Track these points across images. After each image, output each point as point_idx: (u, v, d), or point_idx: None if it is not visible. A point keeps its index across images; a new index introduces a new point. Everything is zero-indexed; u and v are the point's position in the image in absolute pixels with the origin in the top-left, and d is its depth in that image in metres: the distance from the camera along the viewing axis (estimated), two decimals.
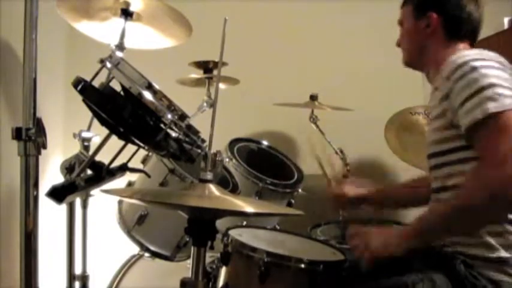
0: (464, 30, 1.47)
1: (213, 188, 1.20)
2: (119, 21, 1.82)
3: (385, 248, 1.29)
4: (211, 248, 1.20)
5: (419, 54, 1.52)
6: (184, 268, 1.92)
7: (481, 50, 1.34)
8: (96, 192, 1.92)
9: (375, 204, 1.80)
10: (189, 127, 1.32)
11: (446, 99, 1.30)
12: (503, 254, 1.26)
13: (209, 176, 1.20)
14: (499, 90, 1.20)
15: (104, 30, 1.90)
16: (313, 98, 2.41)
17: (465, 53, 1.32)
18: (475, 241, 1.28)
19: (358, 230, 1.40)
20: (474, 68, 1.25)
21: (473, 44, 1.49)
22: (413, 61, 1.57)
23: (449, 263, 1.30)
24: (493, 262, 1.26)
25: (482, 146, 1.22)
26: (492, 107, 1.19)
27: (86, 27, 1.91)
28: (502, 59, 1.30)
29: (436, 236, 1.32)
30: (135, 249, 2.01)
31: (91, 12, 1.85)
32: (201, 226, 1.18)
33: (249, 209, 1.17)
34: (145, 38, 1.96)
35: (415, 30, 1.52)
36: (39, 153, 1.24)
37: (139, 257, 2.18)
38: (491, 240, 1.26)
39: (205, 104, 2.13)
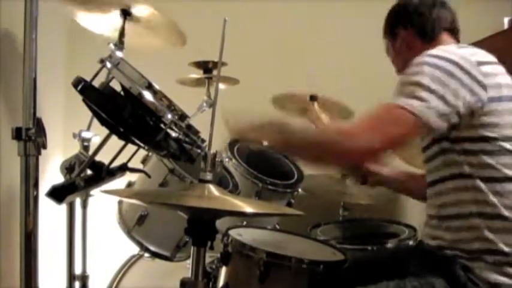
0: (438, 28, 1.50)
1: (212, 189, 1.20)
2: (118, 16, 1.81)
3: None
4: (211, 248, 1.20)
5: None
6: (184, 268, 1.92)
7: (447, 47, 1.34)
8: (96, 192, 1.92)
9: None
10: (189, 127, 1.33)
11: None
12: (505, 248, 1.24)
13: (209, 176, 1.20)
14: (420, 93, 1.21)
15: (103, 23, 1.89)
16: (313, 98, 2.41)
17: (428, 51, 1.33)
18: (476, 235, 1.27)
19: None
20: (419, 63, 1.27)
21: (456, 32, 1.52)
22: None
23: (449, 267, 1.29)
24: (492, 263, 1.24)
25: (368, 114, 1.26)
26: (401, 101, 1.21)
27: (85, 19, 1.90)
28: (462, 58, 1.27)
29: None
30: (135, 249, 2.01)
31: (91, 5, 1.84)
32: (201, 226, 1.18)
33: (248, 209, 1.17)
34: (141, 40, 1.96)
35: (398, 52, 1.57)
36: (39, 153, 1.24)
37: (139, 257, 2.18)
38: (491, 236, 1.25)
39: (205, 104, 2.13)
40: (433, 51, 1.30)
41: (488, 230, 1.25)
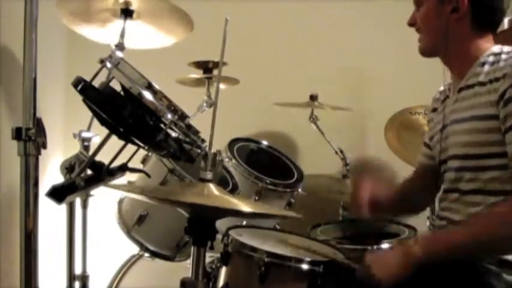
0: (492, 20, 1.37)
1: (212, 188, 1.20)
2: (119, 23, 1.81)
3: (389, 275, 1.24)
4: (211, 248, 1.20)
5: (443, 41, 1.38)
6: (184, 268, 1.92)
7: None
8: (96, 192, 1.92)
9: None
10: (189, 127, 1.32)
11: (505, 105, 1.22)
12: None
13: (209, 175, 1.20)
14: None
15: (104, 33, 1.89)
16: (313, 98, 2.42)
17: None
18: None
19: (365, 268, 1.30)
20: None
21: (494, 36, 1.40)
22: (435, 48, 1.43)
23: (475, 271, 1.26)
24: None
25: None
26: None
27: (86, 31, 1.90)
28: None
29: (445, 258, 1.26)
30: (135, 249, 2.01)
31: (91, 15, 1.84)
32: (201, 226, 1.18)
33: (247, 208, 1.17)
34: (145, 37, 1.95)
35: (439, 13, 1.36)
36: (39, 153, 1.24)
37: (139, 257, 2.18)
38: None
39: (205, 104, 2.13)
40: None
41: None
